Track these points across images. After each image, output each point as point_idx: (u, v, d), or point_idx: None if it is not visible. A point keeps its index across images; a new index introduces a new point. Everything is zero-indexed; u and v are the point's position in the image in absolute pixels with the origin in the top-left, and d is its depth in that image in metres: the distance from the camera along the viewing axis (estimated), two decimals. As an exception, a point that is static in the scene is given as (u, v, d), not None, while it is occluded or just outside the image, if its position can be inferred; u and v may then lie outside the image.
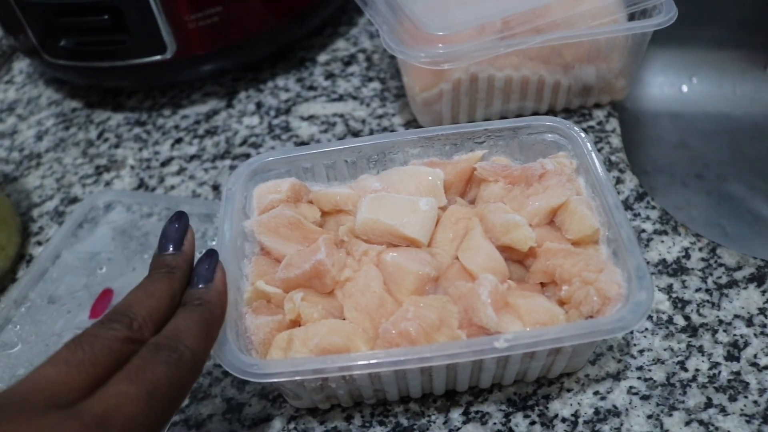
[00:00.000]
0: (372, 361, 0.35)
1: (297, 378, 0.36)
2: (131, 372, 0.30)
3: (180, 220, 0.38)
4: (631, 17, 0.56)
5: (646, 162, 0.80)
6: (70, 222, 0.57)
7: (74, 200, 0.62)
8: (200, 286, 0.36)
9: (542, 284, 0.41)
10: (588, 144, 0.44)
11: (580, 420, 0.41)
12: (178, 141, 0.66)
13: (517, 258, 0.41)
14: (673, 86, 0.83)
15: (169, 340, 0.32)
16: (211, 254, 0.37)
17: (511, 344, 0.35)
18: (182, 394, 0.32)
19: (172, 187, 0.61)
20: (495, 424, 0.42)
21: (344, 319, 0.39)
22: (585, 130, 0.59)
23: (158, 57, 0.63)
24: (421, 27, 0.51)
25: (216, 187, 0.60)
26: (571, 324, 0.37)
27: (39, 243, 0.59)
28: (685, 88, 0.82)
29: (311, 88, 0.69)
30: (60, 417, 0.27)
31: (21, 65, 0.81)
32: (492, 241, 0.41)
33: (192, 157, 0.64)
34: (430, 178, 0.44)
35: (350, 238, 0.42)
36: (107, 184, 0.63)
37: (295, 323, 0.39)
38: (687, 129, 0.81)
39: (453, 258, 0.41)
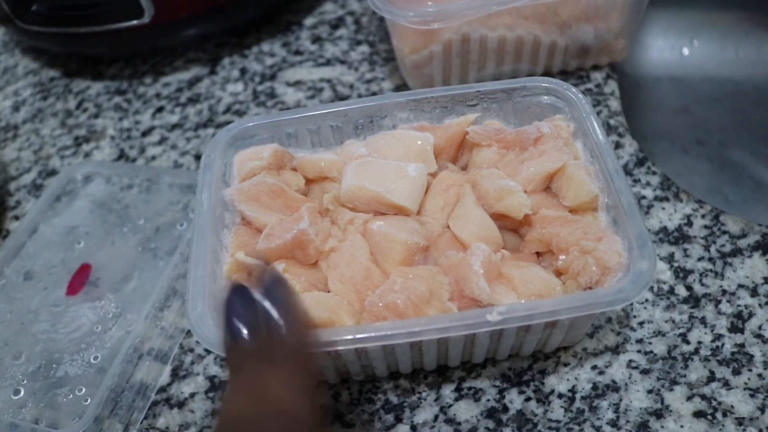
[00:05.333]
0: (357, 336, 0.33)
1: (278, 355, 0.34)
2: None
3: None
4: (632, -27, 0.53)
5: (645, 128, 0.77)
6: (47, 195, 0.55)
7: (52, 173, 0.60)
8: None
9: (538, 254, 0.39)
10: (586, 106, 0.42)
11: (578, 396, 0.40)
12: (160, 110, 0.64)
13: (511, 226, 0.39)
14: (673, 49, 0.80)
15: None
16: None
17: (504, 317, 0.33)
18: None
19: (153, 158, 0.59)
20: (489, 400, 0.40)
21: (328, 292, 0.37)
22: (583, 93, 0.57)
23: (135, 21, 0.60)
24: (409, -16, 0.48)
25: (199, 157, 0.58)
26: (569, 296, 0.35)
27: (16, 218, 0.57)
28: (686, 51, 0.80)
29: (297, 52, 0.66)
30: None
31: (-3, 33, 0.78)
32: (485, 209, 0.39)
33: (174, 126, 0.61)
34: (419, 142, 0.41)
35: (335, 206, 0.40)
36: (87, 155, 0.61)
37: (277, 297, 0.37)
38: (688, 94, 0.79)
39: (444, 227, 0.39)
